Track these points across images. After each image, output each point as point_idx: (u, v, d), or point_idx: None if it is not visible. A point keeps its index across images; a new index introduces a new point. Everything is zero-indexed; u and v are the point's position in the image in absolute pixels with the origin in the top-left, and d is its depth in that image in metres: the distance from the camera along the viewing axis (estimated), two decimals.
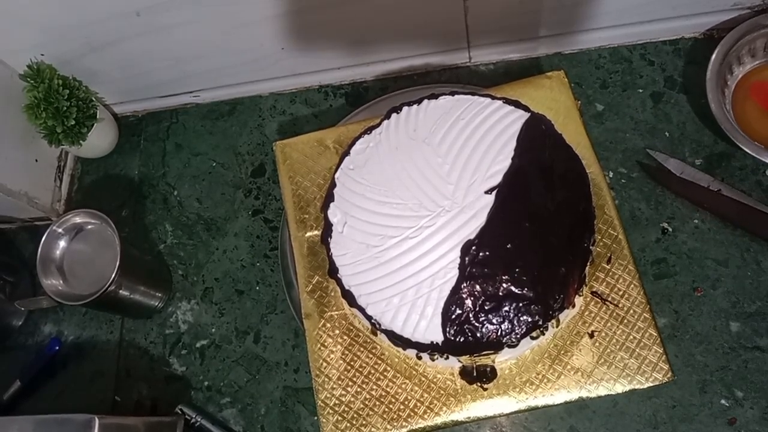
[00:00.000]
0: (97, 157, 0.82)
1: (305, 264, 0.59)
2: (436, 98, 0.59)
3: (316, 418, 0.62)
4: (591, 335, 0.54)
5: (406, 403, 0.54)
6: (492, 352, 0.51)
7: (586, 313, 0.54)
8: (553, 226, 0.52)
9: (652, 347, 0.53)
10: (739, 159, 0.67)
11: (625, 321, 0.54)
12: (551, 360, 0.53)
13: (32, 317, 0.76)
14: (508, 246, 0.52)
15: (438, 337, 0.50)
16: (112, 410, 0.70)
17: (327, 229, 0.56)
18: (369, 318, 0.52)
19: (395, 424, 0.54)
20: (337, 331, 0.57)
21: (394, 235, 0.53)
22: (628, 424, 0.61)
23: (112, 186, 0.81)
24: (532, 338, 0.51)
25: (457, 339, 0.50)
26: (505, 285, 0.50)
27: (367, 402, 0.54)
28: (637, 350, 0.53)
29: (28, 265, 0.77)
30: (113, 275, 0.63)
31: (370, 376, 0.55)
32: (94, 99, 0.77)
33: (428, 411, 0.54)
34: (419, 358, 0.54)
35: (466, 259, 0.51)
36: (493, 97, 0.58)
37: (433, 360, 0.54)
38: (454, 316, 0.50)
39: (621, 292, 0.54)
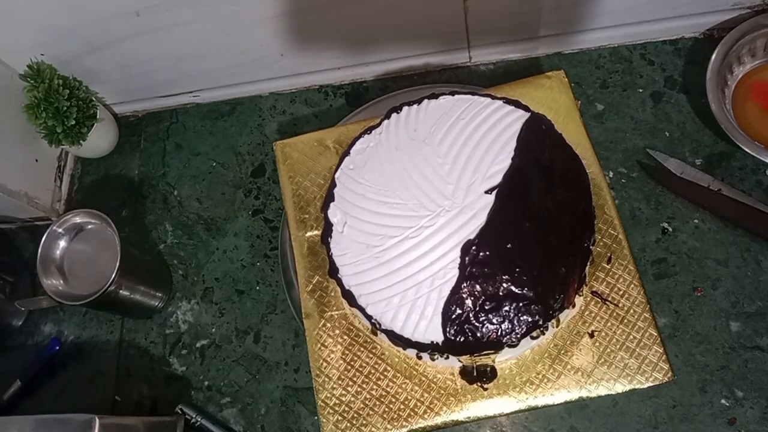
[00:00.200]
0: (97, 157, 0.82)
1: (305, 264, 0.59)
2: (436, 98, 0.59)
3: (316, 417, 0.62)
4: (591, 335, 0.54)
5: (407, 402, 0.54)
6: (492, 352, 0.51)
7: (586, 312, 0.54)
8: (553, 226, 0.52)
9: (652, 347, 0.53)
10: (739, 159, 0.67)
11: (625, 321, 0.54)
12: (551, 360, 0.53)
13: (32, 317, 0.76)
14: (508, 246, 0.52)
15: (438, 337, 0.50)
16: (112, 410, 0.70)
17: (327, 229, 0.56)
18: (369, 318, 0.52)
19: (395, 423, 0.54)
20: (337, 331, 0.57)
21: (394, 235, 0.53)
22: (628, 424, 0.61)
23: (112, 186, 0.81)
24: (533, 338, 0.51)
25: (457, 339, 0.50)
26: (505, 285, 0.50)
27: (367, 402, 0.55)
28: (637, 350, 0.53)
29: (28, 265, 0.77)
30: (113, 275, 0.63)
31: (370, 376, 0.55)
32: (94, 99, 0.77)
33: (428, 411, 0.54)
34: (419, 358, 0.54)
35: (466, 259, 0.51)
36: (493, 97, 0.58)
37: (433, 360, 0.54)
38: (454, 316, 0.50)
39: (621, 292, 0.54)
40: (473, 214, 0.53)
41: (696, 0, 0.68)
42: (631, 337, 0.53)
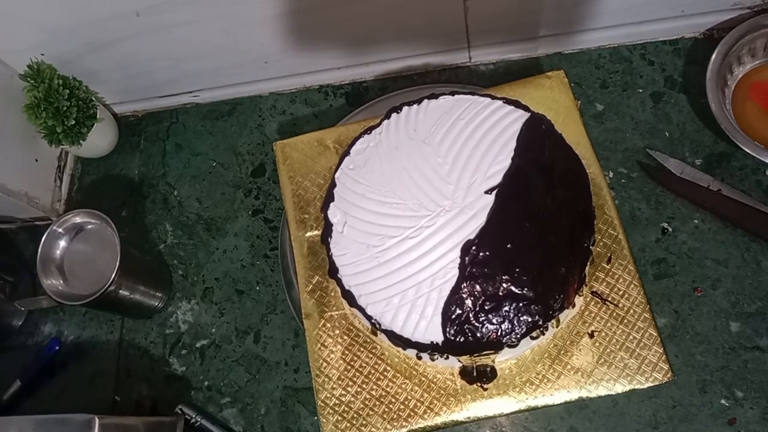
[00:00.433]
0: (97, 157, 0.82)
1: (305, 264, 0.59)
2: (436, 98, 0.59)
3: (316, 418, 0.62)
4: (591, 335, 0.54)
5: (406, 403, 0.54)
6: (492, 352, 0.51)
7: (586, 313, 0.54)
8: (553, 226, 0.52)
9: (652, 347, 0.53)
10: (739, 159, 0.67)
11: (625, 321, 0.54)
12: (551, 360, 0.53)
13: (32, 317, 0.76)
14: (508, 246, 0.52)
15: (438, 337, 0.50)
16: (112, 410, 0.70)
17: (327, 229, 0.56)
18: (369, 318, 0.52)
19: (395, 424, 0.54)
20: (337, 331, 0.57)
21: (394, 235, 0.53)
22: (628, 424, 0.61)
23: (112, 186, 0.81)
24: (532, 338, 0.51)
25: (457, 339, 0.50)
26: (505, 285, 0.50)
27: (367, 402, 0.54)
28: (637, 350, 0.53)
29: (28, 265, 0.77)
30: (113, 275, 0.63)
31: (370, 376, 0.55)
32: (94, 99, 0.77)
33: (428, 411, 0.54)
34: (419, 358, 0.54)
35: (466, 259, 0.51)
36: (493, 97, 0.58)
37: (433, 360, 0.54)
38: (454, 316, 0.50)
39: (621, 292, 0.54)
40: (473, 214, 0.53)
41: (696, 0, 0.68)
42: (631, 337, 0.53)
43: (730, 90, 0.69)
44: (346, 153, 0.58)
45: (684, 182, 0.66)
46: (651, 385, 0.52)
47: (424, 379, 0.55)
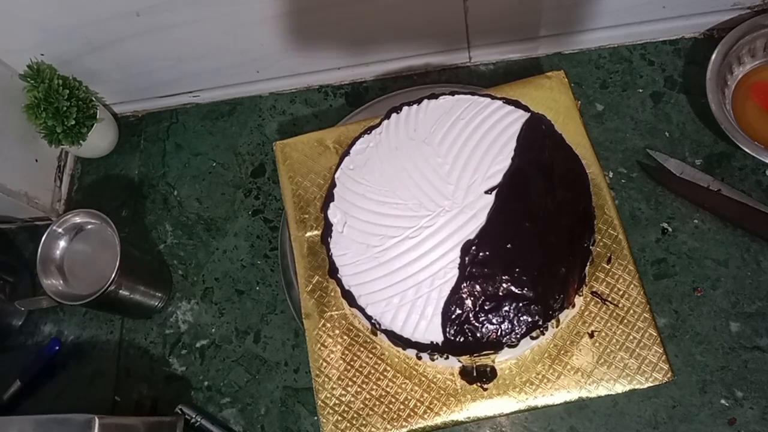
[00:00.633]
0: (97, 157, 0.82)
1: (305, 264, 0.59)
2: (436, 98, 0.59)
3: (316, 418, 0.62)
4: (591, 335, 0.54)
5: (406, 403, 0.54)
6: (492, 352, 0.51)
7: (586, 313, 0.54)
8: (553, 226, 0.52)
9: (652, 347, 0.53)
10: (739, 159, 0.67)
11: (625, 321, 0.54)
12: (551, 360, 0.53)
13: (32, 317, 0.76)
14: (508, 246, 0.52)
15: (438, 337, 0.50)
16: (112, 410, 0.70)
17: (327, 229, 0.56)
18: (369, 318, 0.52)
19: (395, 424, 0.54)
20: (337, 331, 0.57)
21: (394, 235, 0.53)
22: (628, 424, 0.61)
23: (112, 186, 0.81)
24: (532, 338, 0.51)
25: (457, 339, 0.50)
26: (505, 285, 0.50)
27: (367, 402, 0.54)
28: (637, 350, 0.53)
29: (28, 265, 0.77)
30: (113, 275, 0.63)
31: (370, 376, 0.55)
32: (94, 99, 0.77)
33: (428, 411, 0.54)
34: (419, 358, 0.54)
35: (466, 259, 0.51)
36: (493, 97, 0.58)
37: (433, 360, 0.54)
38: (454, 316, 0.50)
39: (621, 292, 0.54)
40: (473, 214, 0.53)
41: (696, 0, 0.68)
42: (631, 337, 0.53)
43: (730, 90, 0.69)
44: (346, 153, 0.58)
45: (684, 182, 0.66)
46: (651, 385, 0.52)
47: (424, 379, 0.55)
